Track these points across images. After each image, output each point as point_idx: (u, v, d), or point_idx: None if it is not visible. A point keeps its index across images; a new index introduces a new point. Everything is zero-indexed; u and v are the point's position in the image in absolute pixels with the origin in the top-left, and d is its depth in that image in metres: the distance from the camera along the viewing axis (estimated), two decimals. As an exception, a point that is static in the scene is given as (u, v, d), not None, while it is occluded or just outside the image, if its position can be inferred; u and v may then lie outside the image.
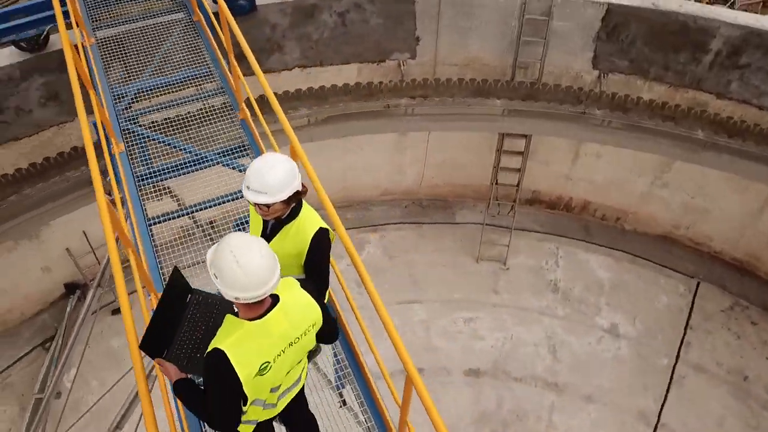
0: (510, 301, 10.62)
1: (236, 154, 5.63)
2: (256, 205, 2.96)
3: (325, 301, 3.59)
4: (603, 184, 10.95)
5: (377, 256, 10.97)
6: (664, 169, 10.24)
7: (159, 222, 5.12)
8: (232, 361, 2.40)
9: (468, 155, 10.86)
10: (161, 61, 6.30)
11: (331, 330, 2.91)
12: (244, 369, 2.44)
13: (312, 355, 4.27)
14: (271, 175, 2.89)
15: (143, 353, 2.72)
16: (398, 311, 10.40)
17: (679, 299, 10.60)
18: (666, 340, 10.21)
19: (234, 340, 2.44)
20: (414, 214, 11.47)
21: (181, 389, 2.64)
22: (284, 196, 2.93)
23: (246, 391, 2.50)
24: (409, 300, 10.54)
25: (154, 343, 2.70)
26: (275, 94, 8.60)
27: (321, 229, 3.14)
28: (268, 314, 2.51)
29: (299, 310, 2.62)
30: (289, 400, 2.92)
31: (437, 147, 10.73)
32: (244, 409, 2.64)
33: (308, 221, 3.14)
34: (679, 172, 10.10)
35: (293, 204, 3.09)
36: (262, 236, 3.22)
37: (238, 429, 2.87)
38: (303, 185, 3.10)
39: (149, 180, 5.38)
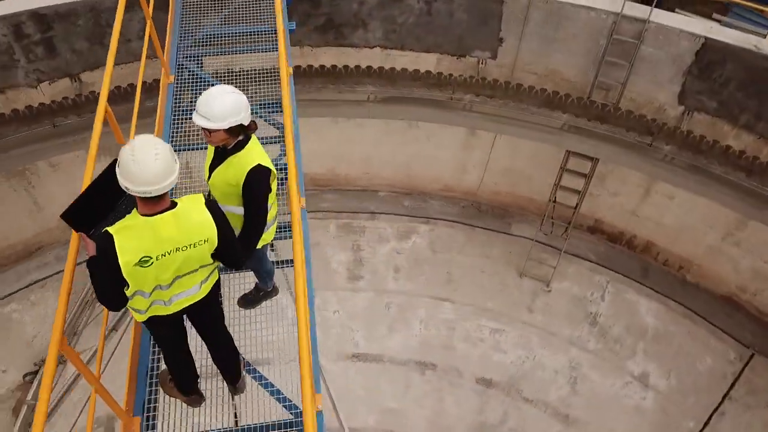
0: (542, 323, 10.35)
1: (273, 109, 5.99)
2: (202, 129, 3.23)
3: (269, 239, 3.81)
4: (671, 228, 10.35)
5: (422, 247, 11.04)
6: (738, 227, 9.54)
7: (190, 149, 5.58)
8: (116, 245, 2.71)
9: (535, 168, 10.64)
10: (233, 12, 6.79)
11: (230, 255, 3.13)
12: (124, 255, 2.74)
13: (267, 295, 4.52)
14: (218, 103, 3.14)
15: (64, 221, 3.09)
16: (427, 304, 10.46)
17: (725, 365, 9.85)
18: (699, 404, 9.56)
19: (123, 227, 2.77)
20: (469, 216, 11.40)
21: (90, 265, 2.97)
22: (225, 125, 3.17)
23: (126, 278, 2.79)
24: (441, 297, 10.54)
25: (79, 218, 3.06)
26: (346, 66, 8.97)
27: (259, 165, 3.34)
28: (160, 215, 2.78)
29: (193, 223, 2.87)
30: (184, 305, 3.18)
31: (504, 154, 10.59)
32: (127, 293, 2.93)
33: (250, 155, 3.35)
34: (754, 233, 9.36)
35: (240, 137, 3.33)
36: (211, 163, 3.48)
37: (137, 319, 3.20)
38: (253, 122, 3.32)
39: (189, 114, 5.86)
